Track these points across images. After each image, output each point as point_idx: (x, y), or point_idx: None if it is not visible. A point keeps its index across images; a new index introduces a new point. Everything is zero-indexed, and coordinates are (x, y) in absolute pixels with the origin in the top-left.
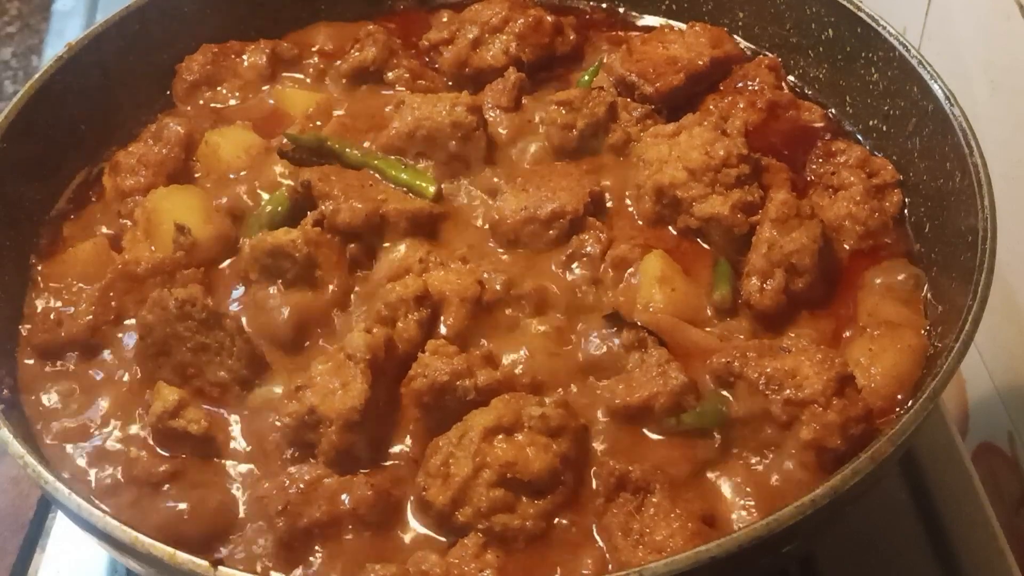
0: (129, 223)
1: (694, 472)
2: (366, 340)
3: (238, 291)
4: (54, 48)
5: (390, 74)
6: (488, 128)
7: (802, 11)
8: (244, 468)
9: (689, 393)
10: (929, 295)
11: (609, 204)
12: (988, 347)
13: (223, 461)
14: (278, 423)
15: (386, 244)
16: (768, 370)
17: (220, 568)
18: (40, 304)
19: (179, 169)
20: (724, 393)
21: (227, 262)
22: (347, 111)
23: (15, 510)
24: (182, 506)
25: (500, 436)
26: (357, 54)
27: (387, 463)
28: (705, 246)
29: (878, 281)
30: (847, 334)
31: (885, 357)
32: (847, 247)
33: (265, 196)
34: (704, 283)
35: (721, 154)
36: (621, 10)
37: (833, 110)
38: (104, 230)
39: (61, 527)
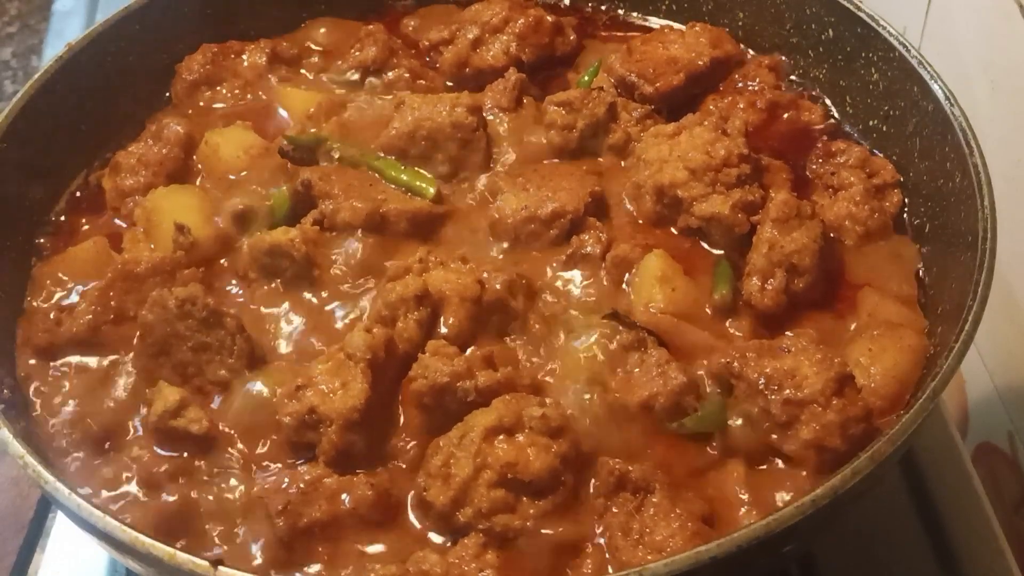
0: (128, 223)
1: (694, 472)
2: (366, 340)
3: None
4: (54, 48)
5: (390, 74)
6: (488, 128)
7: (802, 11)
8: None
9: (689, 393)
10: (929, 295)
11: (609, 202)
12: (988, 347)
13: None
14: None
15: None
16: (768, 370)
17: (220, 568)
18: (40, 304)
19: (179, 169)
20: (724, 393)
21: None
22: (347, 111)
23: (15, 510)
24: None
25: (501, 436)
26: (357, 54)
27: (387, 463)
28: (705, 246)
29: (878, 281)
30: (847, 334)
31: (885, 357)
32: (847, 247)
33: (267, 194)
34: (704, 283)
35: (722, 154)
36: (621, 11)
37: (833, 110)
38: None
39: (61, 527)
